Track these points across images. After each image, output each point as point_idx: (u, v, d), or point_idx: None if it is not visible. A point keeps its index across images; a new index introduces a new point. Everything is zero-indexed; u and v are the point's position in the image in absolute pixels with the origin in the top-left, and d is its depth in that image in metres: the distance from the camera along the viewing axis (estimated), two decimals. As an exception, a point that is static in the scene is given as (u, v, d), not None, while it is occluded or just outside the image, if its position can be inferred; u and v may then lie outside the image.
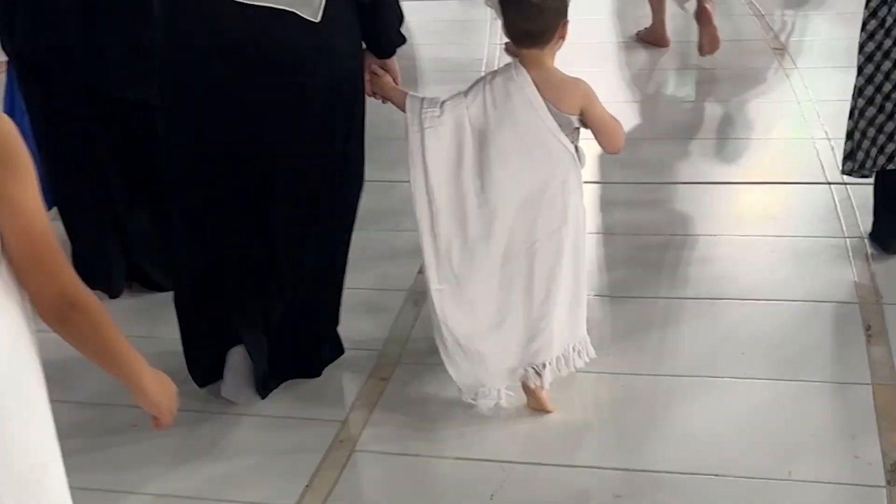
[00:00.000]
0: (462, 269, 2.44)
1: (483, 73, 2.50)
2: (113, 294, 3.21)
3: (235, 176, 2.47)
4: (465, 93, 2.42)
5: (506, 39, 2.46)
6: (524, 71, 2.37)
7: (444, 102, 2.42)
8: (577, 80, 2.40)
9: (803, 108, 4.43)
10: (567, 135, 2.37)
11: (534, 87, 2.35)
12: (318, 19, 2.32)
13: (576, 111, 2.37)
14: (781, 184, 3.84)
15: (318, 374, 2.75)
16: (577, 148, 2.41)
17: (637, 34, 5.54)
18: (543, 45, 2.36)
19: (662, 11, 5.34)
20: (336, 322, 2.76)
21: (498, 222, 2.39)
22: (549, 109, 2.36)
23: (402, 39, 2.57)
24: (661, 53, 5.32)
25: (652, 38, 5.42)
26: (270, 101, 2.39)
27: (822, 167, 3.82)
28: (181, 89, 2.45)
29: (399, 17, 2.55)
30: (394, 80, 2.56)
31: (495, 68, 2.45)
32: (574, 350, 2.52)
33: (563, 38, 2.39)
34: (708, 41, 4.98)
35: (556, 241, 2.41)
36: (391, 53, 2.56)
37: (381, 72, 2.55)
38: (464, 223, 2.41)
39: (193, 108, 2.44)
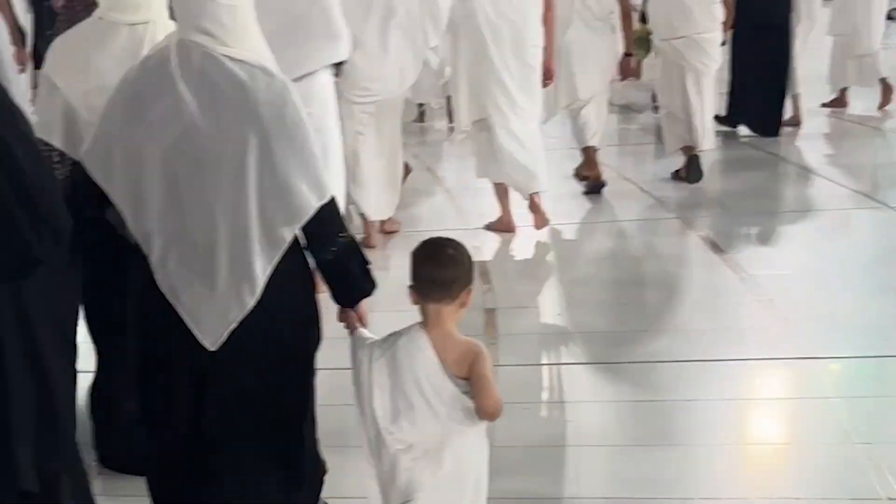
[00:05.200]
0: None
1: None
2: None
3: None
4: (378, 345, 2.51)
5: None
6: (424, 334, 2.45)
7: (359, 351, 2.54)
8: (472, 343, 2.49)
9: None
10: (465, 393, 2.43)
11: (433, 351, 2.44)
12: (213, 348, 2.48)
13: (464, 373, 2.43)
14: None
15: None
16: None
17: (487, 225, 6.16)
18: (450, 299, 2.45)
19: (507, 201, 6.08)
20: None
21: (402, 464, 2.47)
22: (446, 372, 2.43)
23: (369, 289, 2.67)
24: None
25: (501, 227, 6.12)
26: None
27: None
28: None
29: (361, 269, 2.63)
30: (360, 318, 2.65)
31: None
32: None
33: (464, 305, 2.49)
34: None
35: (455, 491, 2.47)
36: (353, 304, 2.65)
37: (350, 312, 2.67)
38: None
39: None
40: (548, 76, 6.08)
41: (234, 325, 2.47)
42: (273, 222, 2.45)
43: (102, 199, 2.55)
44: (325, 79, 4.86)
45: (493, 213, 6.25)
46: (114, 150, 2.50)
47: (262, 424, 2.60)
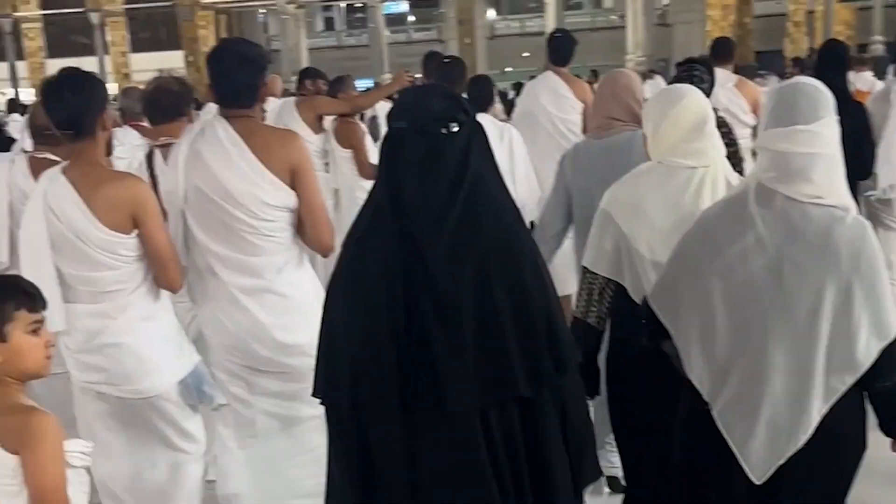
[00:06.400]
0: None
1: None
2: None
3: None
4: None
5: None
6: None
7: None
8: None
9: None
10: None
11: None
12: (759, 482, 2.57)
13: None
14: None
15: None
16: None
17: None
18: None
19: None
20: None
21: None
22: None
23: None
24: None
25: None
26: None
27: None
28: None
29: None
30: None
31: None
32: None
33: None
34: None
35: None
36: None
37: None
38: None
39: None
40: None
41: (782, 461, 2.53)
42: (834, 369, 2.49)
43: (663, 333, 2.68)
44: None
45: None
46: (683, 289, 2.63)
47: None
